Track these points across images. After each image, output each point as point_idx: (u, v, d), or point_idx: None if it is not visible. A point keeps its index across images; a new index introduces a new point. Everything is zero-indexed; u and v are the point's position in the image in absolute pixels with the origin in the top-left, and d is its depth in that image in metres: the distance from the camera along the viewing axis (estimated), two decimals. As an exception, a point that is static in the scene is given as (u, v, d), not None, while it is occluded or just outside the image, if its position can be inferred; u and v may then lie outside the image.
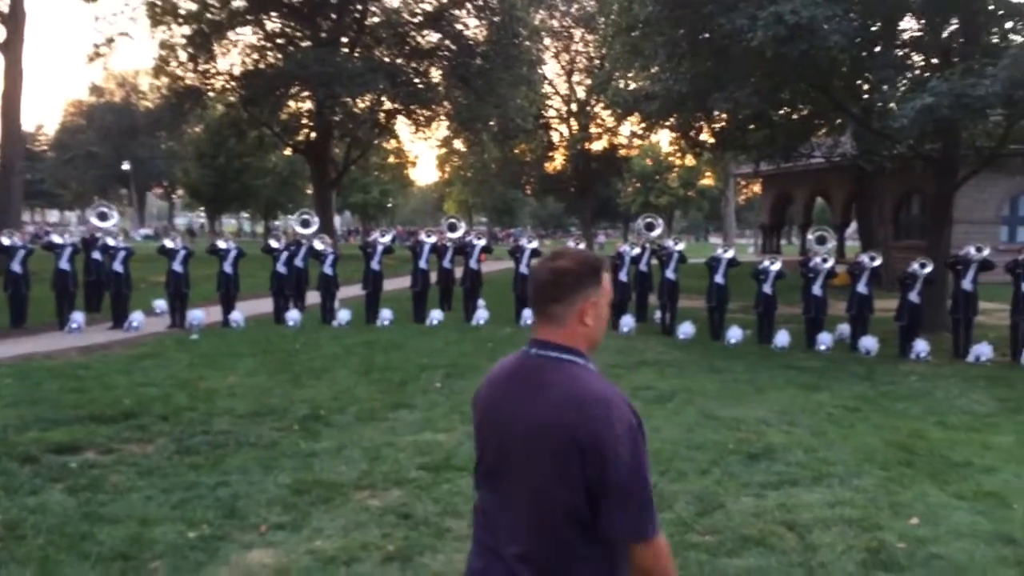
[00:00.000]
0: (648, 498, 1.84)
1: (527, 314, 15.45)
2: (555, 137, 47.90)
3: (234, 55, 34.29)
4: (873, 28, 14.70)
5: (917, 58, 16.06)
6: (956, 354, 12.92)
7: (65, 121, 72.04)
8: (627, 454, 1.81)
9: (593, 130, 46.33)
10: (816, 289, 13.81)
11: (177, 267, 14.48)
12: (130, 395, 8.54)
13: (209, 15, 31.94)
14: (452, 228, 16.87)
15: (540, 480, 1.85)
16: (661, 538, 1.87)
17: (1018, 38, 13.83)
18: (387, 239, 16.39)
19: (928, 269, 13.24)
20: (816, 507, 5.58)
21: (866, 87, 15.60)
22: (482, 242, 17.16)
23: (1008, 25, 14.39)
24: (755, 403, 9.08)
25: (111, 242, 14.99)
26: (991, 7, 14.04)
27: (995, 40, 14.32)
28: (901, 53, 15.52)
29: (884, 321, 14.32)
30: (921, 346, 12.73)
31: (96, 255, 15.37)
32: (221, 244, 15.40)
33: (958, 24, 14.80)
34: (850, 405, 9.06)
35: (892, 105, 14.21)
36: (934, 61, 15.24)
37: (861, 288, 13.69)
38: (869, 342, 13.10)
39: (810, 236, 15.36)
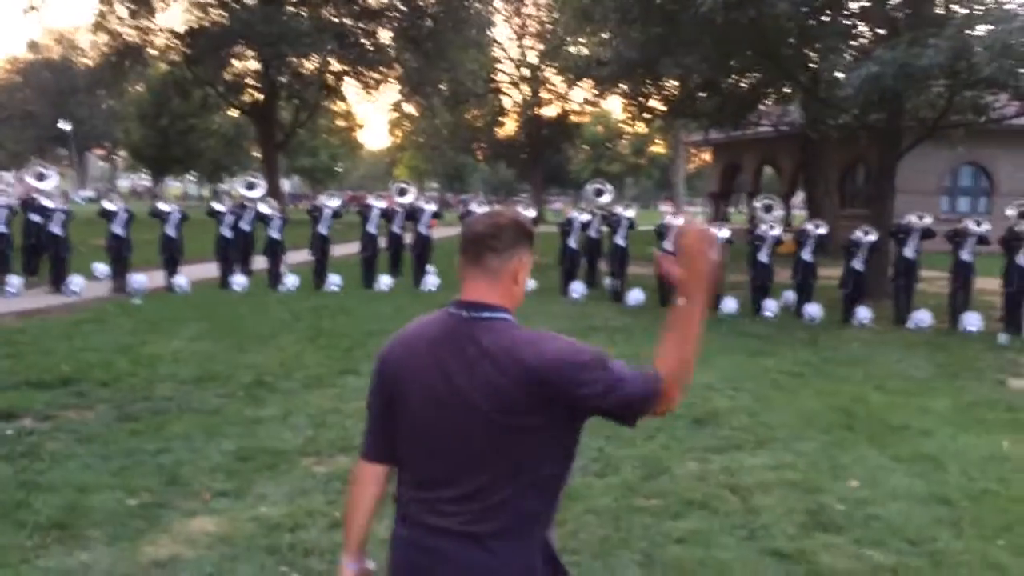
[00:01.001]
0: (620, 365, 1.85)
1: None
2: (506, 103, 47.70)
3: (176, 11, 33.41)
4: (821, -3, 14.80)
5: (864, 28, 16.24)
6: (897, 321, 13.23)
7: (0, 79, 69.41)
8: (590, 361, 1.81)
9: (544, 96, 46.21)
10: (763, 256, 13.99)
11: (118, 230, 14.10)
12: (69, 361, 8.32)
13: (151, -32, 30.95)
14: (402, 193, 16.69)
15: (491, 445, 1.81)
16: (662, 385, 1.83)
17: (961, 10, 14.03)
18: (334, 203, 16.14)
19: (872, 237, 13.50)
20: (759, 471, 5.68)
21: (814, 56, 15.75)
22: (432, 207, 17.02)
23: (952, -4, 14.60)
24: (702, 369, 9.16)
25: (48, 204, 14.51)
26: (937, -22, 14.24)
27: (939, 11, 14.52)
28: (848, 23, 15.67)
29: (829, 288, 14.59)
30: (864, 313, 13.00)
31: (34, 217, 14.88)
32: (163, 207, 15.02)
33: (904, -5, 14.97)
34: (794, 371, 9.23)
35: (838, 74, 14.38)
36: (880, 31, 15.42)
37: (806, 256, 13.90)
38: (814, 309, 13.35)
39: (757, 204, 15.51)
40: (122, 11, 31.32)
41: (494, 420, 1.80)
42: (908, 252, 13.34)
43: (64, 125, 56.96)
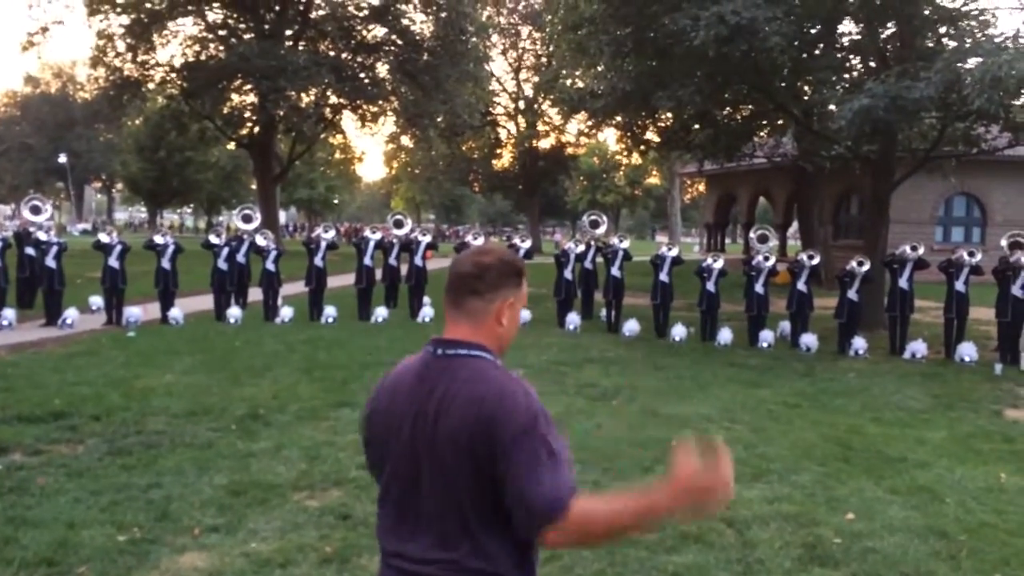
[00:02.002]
0: (560, 465, 1.74)
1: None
2: (503, 134, 47.94)
3: (175, 46, 33.78)
4: (813, 31, 14.98)
5: (855, 61, 16.40)
6: (893, 351, 13.22)
7: (-2, 112, 69.79)
8: (527, 441, 1.73)
9: (541, 128, 46.49)
10: (758, 287, 14.01)
11: (113, 262, 14.10)
12: (61, 394, 8.27)
13: (149, 4, 31.26)
14: (398, 225, 16.72)
15: (458, 484, 1.78)
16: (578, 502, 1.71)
17: (951, 43, 14.19)
18: (330, 235, 16.17)
19: (866, 267, 13.53)
20: (755, 503, 5.64)
21: (806, 88, 15.89)
22: (428, 239, 17.05)
23: (942, 30, 14.77)
24: (698, 400, 9.17)
25: (43, 237, 14.51)
26: (926, 12, 14.40)
27: (930, 44, 14.69)
28: (840, 56, 15.83)
29: (824, 318, 14.59)
30: (859, 343, 12.99)
31: (29, 250, 14.87)
32: (158, 239, 15.03)
33: (895, 28, 15.15)
34: (790, 401, 9.21)
35: (831, 106, 14.48)
36: (872, 64, 15.57)
37: (800, 286, 13.93)
38: (809, 339, 13.34)
39: (752, 235, 15.56)
40: (120, 46, 31.56)
41: (460, 466, 1.77)
42: (903, 282, 13.36)
43: (62, 158, 57.16)
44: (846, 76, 15.64)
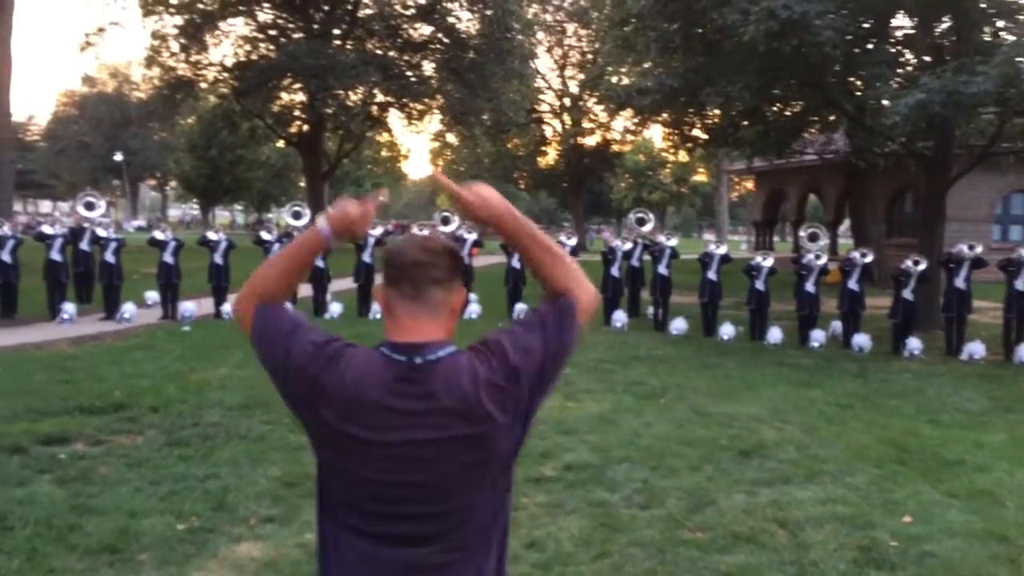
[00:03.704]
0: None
1: (520, 309, 15.43)
2: (548, 132, 47.87)
3: (226, 46, 34.36)
4: (865, 25, 14.68)
5: (910, 55, 16.07)
6: (949, 352, 12.95)
7: (57, 111, 71.61)
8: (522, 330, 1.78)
9: (586, 125, 46.34)
10: (809, 286, 13.82)
11: (168, 258, 14.40)
12: (120, 386, 8.49)
13: (201, 5, 31.79)
14: (445, 222, 16.81)
15: (464, 484, 1.69)
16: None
17: (1010, 36, 13.83)
18: (378, 232, 16.31)
19: (922, 266, 13.26)
20: (808, 505, 5.57)
21: (859, 84, 15.61)
22: (474, 236, 17.12)
23: (1000, 24, 14.41)
24: (747, 400, 9.08)
25: (102, 233, 14.88)
26: (983, 5, 14.06)
27: (987, 38, 14.34)
28: (894, 50, 15.52)
29: (877, 318, 14.34)
30: (914, 344, 12.74)
31: (84, 246, 15.25)
32: (211, 236, 15.32)
33: (950, 22, 14.81)
34: (843, 402, 9.07)
35: (885, 102, 14.23)
36: (926, 59, 15.24)
37: (852, 285, 13.70)
38: (862, 339, 13.12)
39: (802, 233, 15.35)
40: (174, 46, 32.17)
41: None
42: (959, 282, 13.07)
43: (118, 156, 58.48)
44: (900, 71, 15.34)
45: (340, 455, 1.71)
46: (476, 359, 1.70)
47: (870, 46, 14.85)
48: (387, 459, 1.67)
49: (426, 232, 16.34)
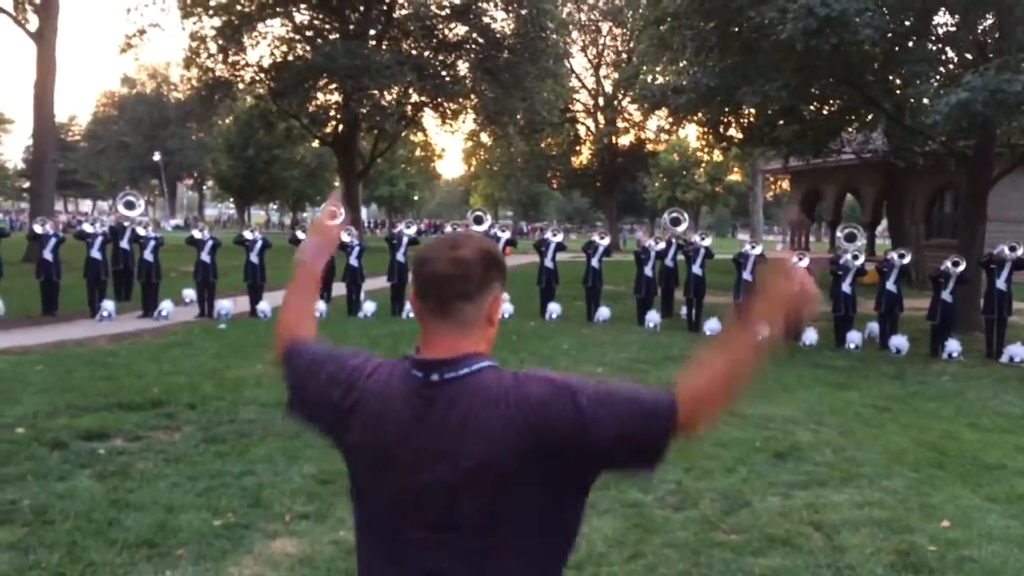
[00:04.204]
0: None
1: (552, 308, 15.42)
2: (582, 131, 47.79)
3: (263, 47, 34.75)
4: (906, 22, 14.48)
5: (951, 53, 15.80)
6: (989, 354, 12.72)
7: (97, 112, 72.97)
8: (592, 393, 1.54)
9: (620, 124, 46.17)
10: (845, 287, 13.66)
11: (205, 257, 14.60)
12: (158, 383, 8.61)
13: (239, 7, 32.19)
14: (478, 221, 16.85)
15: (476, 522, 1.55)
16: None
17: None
18: (412, 231, 16.40)
19: (961, 267, 13.04)
20: (844, 508, 5.51)
21: (899, 82, 15.39)
22: (507, 235, 17.13)
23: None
24: (782, 401, 8.98)
25: (141, 231, 15.13)
26: (1028, 2, 13.79)
27: (1031, 35, 14.06)
28: (935, 48, 15.28)
29: (915, 320, 14.13)
30: (953, 346, 12.54)
31: (124, 244, 15.51)
32: (247, 235, 15.50)
33: (993, 19, 14.55)
34: (880, 405, 8.95)
35: (925, 101, 14.01)
36: (968, 56, 14.98)
37: (890, 286, 13.51)
38: (899, 341, 12.93)
39: (839, 233, 15.16)
40: (212, 47, 32.59)
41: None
42: (1000, 283, 12.83)
43: (156, 156, 59.39)
44: (941, 69, 15.10)
45: (368, 472, 1.65)
46: (517, 382, 1.55)
47: (910, 44, 14.63)
48: (404, 477, 1.57)
49: (497, 234, 16.28)
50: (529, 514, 1.54)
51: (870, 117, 18.07)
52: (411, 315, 14.71)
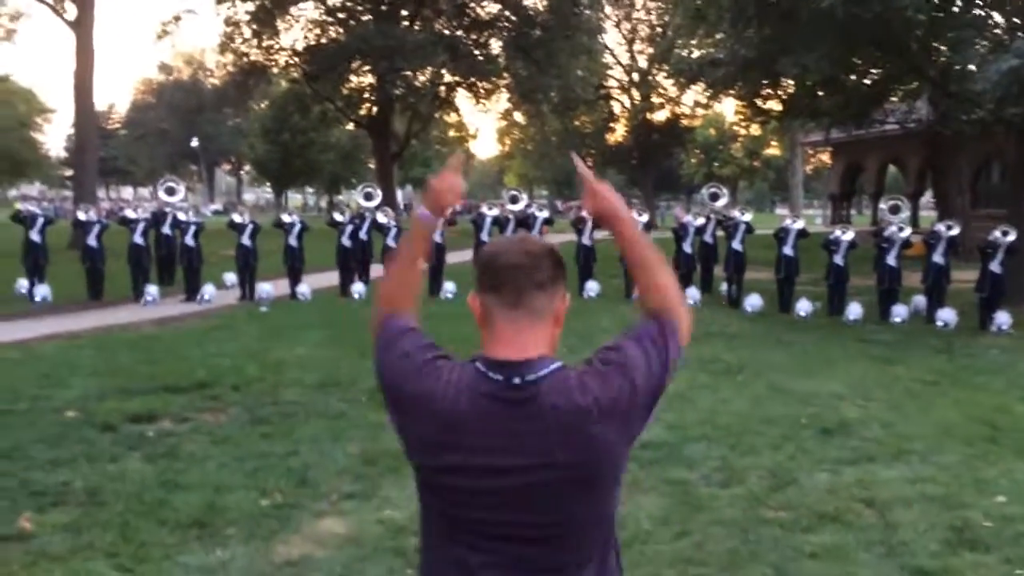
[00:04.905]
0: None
1: (590, 286, 15.35)
2: (616, 108, 47.35)
3: (296, 30, 34.62)
4: (952, -14, 14.08)
5: (998, 18, 15.33)
6: (1040, 326, 12.41)
7: (136, 99, 73.85)
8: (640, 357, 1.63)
9: (655, 100, 45.66)
10: (891, 260, 13.39)
11: (246, 241, 14.72)
12: (203, 366, 8.72)
13: (272, -9, 32.25)
14: (514, 200, 16.79)
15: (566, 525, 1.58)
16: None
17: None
18: (449, 212, 16.37)
19: (1011, 238, 12.70)
20: (895, 484, 5.41)
21: (944, 49, 14.98)
22: (545, 214, 17.05)
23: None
24: (827, 376, 8.85)
25: (182, 217, 15.29)
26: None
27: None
28: (981, 13, 14.84)
29: (962, 293, 13.82)
30: (1003, 318, 12.25)
31: (166, 229, 15.69)
32: (286, 218, 15.60)
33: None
34: (928, 379, 8.78)
35: (972, 67, 13.63)
36: (1016, 20, 14.54)
37: (937, 258, 13.22)
38: (947, 314, 12.66)
39: (883, 205, 14.86)
40: (246, 32, 32.74)
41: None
42: (1052, 253, 12.50)
43: (194, 142, 60.00)
44: (987, 35, 14.66)
45: (437, 475, 1.61)
46: (588, 377, 1.57)
47: (956, 9, 14.23)
48: (483, 487, 1.56)
49: (534, 213, 16.24)
50: (599, 496, 1.60)
51: (914, 85, 17.67)
52: (449, 295, 14.81)
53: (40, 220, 14.78)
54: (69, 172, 57.01)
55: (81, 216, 15.08)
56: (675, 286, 1.72)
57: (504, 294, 1.57)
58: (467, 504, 1.57)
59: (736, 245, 14.88)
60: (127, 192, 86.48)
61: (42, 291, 14.00)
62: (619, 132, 48.83)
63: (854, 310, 13.17)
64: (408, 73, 30.47)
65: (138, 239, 14.81)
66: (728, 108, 53.97)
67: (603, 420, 1.53)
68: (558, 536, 1.57)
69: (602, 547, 1.63)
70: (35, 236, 14.49)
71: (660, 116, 46.35)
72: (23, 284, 14.61)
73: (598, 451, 1.54)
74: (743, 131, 58.05)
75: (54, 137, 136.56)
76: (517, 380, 1.54)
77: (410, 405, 1.61)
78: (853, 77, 17.22)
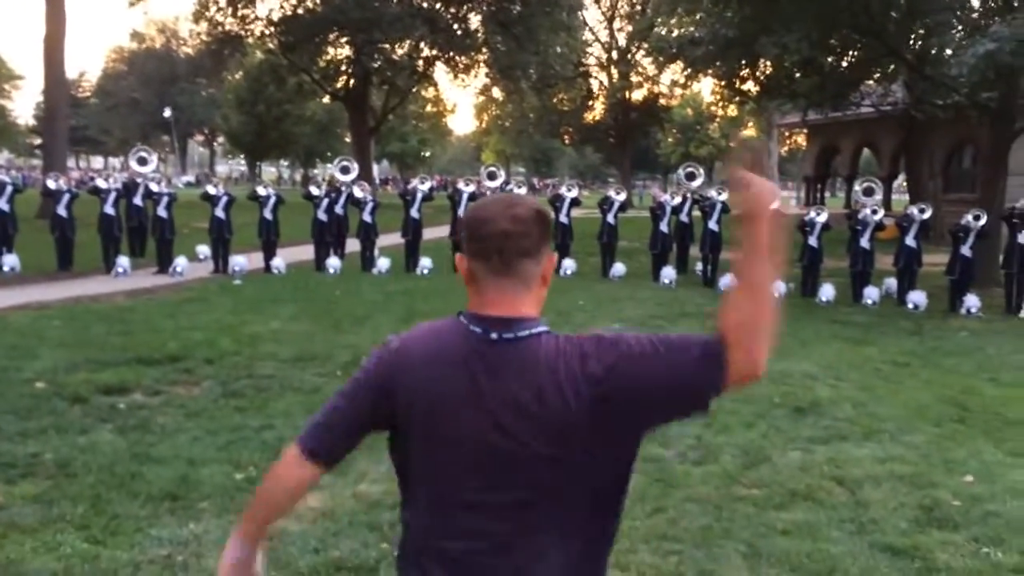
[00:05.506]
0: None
1: (567, 264, 15.35)
2: (595, 86, 47.23)
3: (273, 0, 34.08)
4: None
5: (975, 2, 15.44)
6: (1009, 310, 12.62)
7: (107, 68, 72.48)
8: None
9: (634, 79, 45.59)
10: (864, 242, 13.52)
11: (219, 213, 14.55)
12: (176, 339, 8.62)
13: (248, -41, 31.71)
14: (491, 177, 16.72)
15: (543, 481, 1.54)
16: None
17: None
18: (426, 187, 16.30)
19: (982, 222, 12.87)
20: (866, 463, 5.48)
21: (921, 32, 15.08)
22: (574, 193, 16.95)
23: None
24: (800, 357, 8.92)
25: (154, 187, 15.07)
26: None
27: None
28: (959, -3, 14.94)
29: (932, 276, 14.01)
30: (972, 301, 12.43)
31: (137, 200, 15.46)
32: (261, 191, 15.44)
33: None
34: (899, 360, 8.89)
35: (948, 51, 13.73)
36: (992, 4, 14.64)
37: (909, 241, 13.37)
38: (918, 296, 12.82)
39: (857, 188, 14.98)
40: (222, 1, 32.19)
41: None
42: (1021, 238, 12.66)
43: (167, 112, 59.08)
44: (964, 18, 14.76)
45: (425, 430, 1.58)
46: (571, 344, 1.53)
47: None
48: (466, 432, 1.54)
49: (513, 190, 16.30)
50: (584, 475, 1.54)
51: (891, 68, 17.77)
52: (426, 271, 14.76)
53: (8, 188, 14.51)
54: (38, 140, 55.97)
55: (51, 185, 14.83)
56: (769, 324, 1.48)
57: (492, 262, 1.55)
58: (444, 460, 1.57)
59: (712, 225, 14.94)
60: (97, 162, 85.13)
61: (10, 261, 13.78)
62: (597, 110, 48.72)
63: (827, 291, 13.30)
64: (386, 46, 30.19)
65: (109, 209, 14.59)
66: (706, 88, 53.98)
67: (572, 392, 1.50)
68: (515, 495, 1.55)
69: (566, 523, 1.58)
70: (3, 205, 14.25)
71: (638, 95, 46.31)
72: (-9, 253, 14.37)
73: (557, 421, 1.51)
74: (720, 112, 58.10)
75: (23, 104, 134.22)
76: (494, 335, 1.54)
77: (392, 389, 1.60)
78: (831, 59, 17.31)
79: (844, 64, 17.73)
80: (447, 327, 1.60)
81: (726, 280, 14.03)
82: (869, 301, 13.07)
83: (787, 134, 56.79)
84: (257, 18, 33.36)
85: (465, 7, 33.75)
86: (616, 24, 46.23)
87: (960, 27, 14.34)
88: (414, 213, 15.62)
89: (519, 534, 1.55)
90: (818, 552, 4.14)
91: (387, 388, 1.61)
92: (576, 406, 1.49)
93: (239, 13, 32.63)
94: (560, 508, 1.54)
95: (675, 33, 28.30)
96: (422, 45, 32.63)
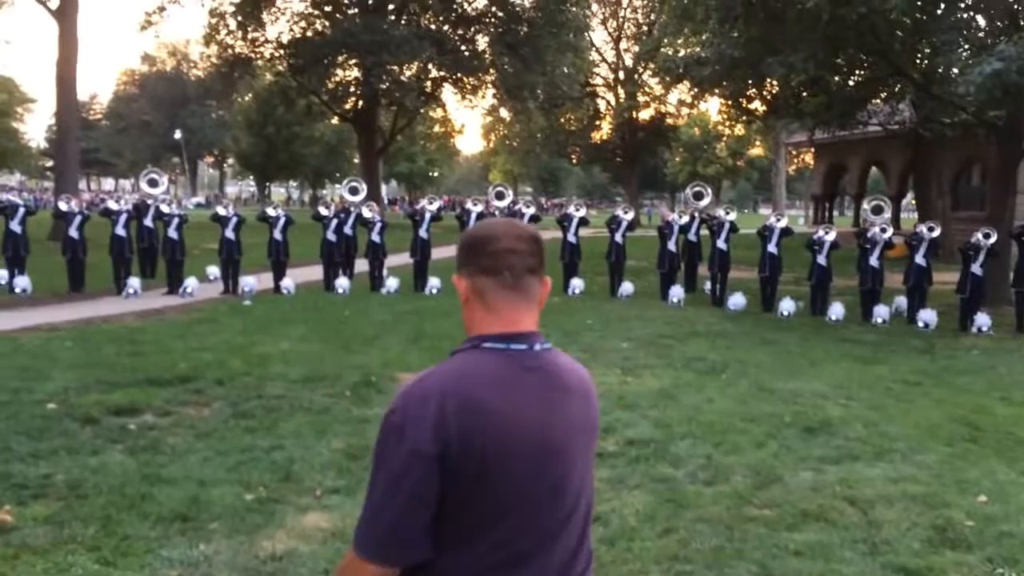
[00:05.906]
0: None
1: (575, 283, 15.36)
2: (602, 106, 47.39)
3: (282, 23, 34.40)
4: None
5: (982, 21, 15.46)
6: (1020, 328, 12.56)
7: (118, 90, 73.17)
8: None
9: (640, 98, 45.74)
10: (873, 260, 13.50)
11: (229, 234, 14.62)
12: (186, 359, 8.65)
13: (258, -18, 31.99)
14: (499, 196, 16.78)
15: (585, 488, 1.66)
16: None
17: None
18: (435, 207, 16.36)
19: (992, 240, 12.84)
20: (878, 483, 5.44)
21: (928, 51, 15.10)
22: (531, 211, 17.03)
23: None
24: (810, 376, 8.91)
25: (165, 209, 15.17)
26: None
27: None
28: (965, 16, 14.96)
29: (942, 294, 13.96)
30: (983, 320, 12.38)
31: (148, 222, 15.56)
32: (271, 212, 15.52)
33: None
34: (910, 379, 8.85)
35: (955, 71, 13.73)
36: (1000, 24, 14.66)
37: (919, 259, 13.34)
38: (928, 315, 12.78)
39: (866, 206, 14.97)
40: (232, 24, 32.48)
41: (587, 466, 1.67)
42: (1032, 256, 12.63)
43: (177, 134, 59.51)
44: (970, 37, 14.78)
45: (503, 463, 1.52)
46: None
47: (939, 11, 14.33)
48: (534, 457, 1.54)
49: (521, 210, 16.27)
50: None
51: (898, 87, 17.78)
52: (434, 291, 14.78)
53: (21, 210, 14.63)
54: (50, 163, 56.40)
55: (63, 207, 14.93)
56: None
57: (504, 278, 1.58)
58: (512, 487, 1.52)
59: (720, 244, 14.94)
60: (108, 184, 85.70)
61: (22, 282, 13.87)
62: (604, 130, 48.86)
63: (836, 310, 13.27)
64: (394, 67, 30.33)
65: (120, 231, 14.67)
66: (712, 108, 54.18)
67: (591, 400, 1.70)
68: (572, 513, 1.63)
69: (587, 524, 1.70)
70: (15, 226, 14.34)
71: (645, 115, 46.44)
72: (3, 275, 14.45)
73: (595, 417, 1.71)
74: (727, 131, 58.25)
75: (35, 127, 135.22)
76: (537, 347, 1.59)
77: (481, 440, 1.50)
78: (837, 78, 17.33)
79: (851, 83, 17.75)
80: (483, 361, 1.55)
81: (736, 299, 14.06)
82: (879, 320, 13.03)
83: (795, 153, 56.86)
84: (267, 41, 33.65)
85: (472, 29, 34.01)
86: (623, 44, 46.46)
87: (967, 46, 14.34)
88: (423, 233, 15.66)
89: (580, 542, 1.65)
90: (830, 573, 4.11)
91: (453, 448, 1.49)
92: (593, 417, 1.71)
93: (249, 36, 32.89)
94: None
95: (681, 53, 28.40)
96: (430, 66, 32.80)
